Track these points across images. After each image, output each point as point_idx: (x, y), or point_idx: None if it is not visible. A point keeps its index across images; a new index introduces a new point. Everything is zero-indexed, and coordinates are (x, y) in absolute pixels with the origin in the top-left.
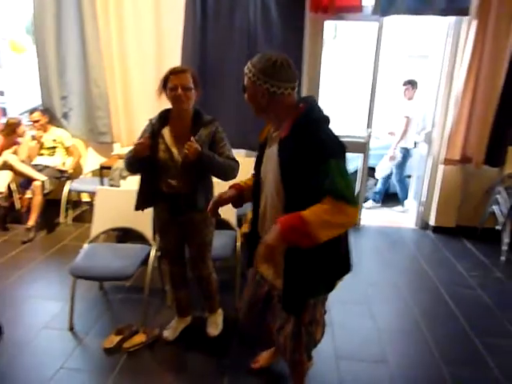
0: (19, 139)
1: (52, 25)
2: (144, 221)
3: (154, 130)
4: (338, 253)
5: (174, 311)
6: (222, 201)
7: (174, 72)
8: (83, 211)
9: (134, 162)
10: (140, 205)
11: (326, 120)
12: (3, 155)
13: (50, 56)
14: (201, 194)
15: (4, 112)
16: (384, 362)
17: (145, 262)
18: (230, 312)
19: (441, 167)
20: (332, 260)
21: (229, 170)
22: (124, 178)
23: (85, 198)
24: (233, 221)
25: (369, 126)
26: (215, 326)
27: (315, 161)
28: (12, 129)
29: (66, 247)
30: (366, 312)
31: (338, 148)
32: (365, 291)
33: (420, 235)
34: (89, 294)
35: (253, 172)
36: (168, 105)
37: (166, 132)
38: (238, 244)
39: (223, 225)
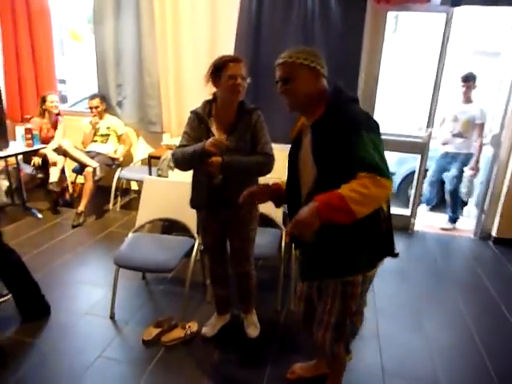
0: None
1: (111, 15)
2: (189, 213)
3: (201, 122)
4: (378, 230)
5: (214, 307)
6: (257, 192)
7: (233, 60)
8: (131, 199)
9: (196, 160)
10: (196, 202)
11: (356, 100)
12: (58, 140)
13: (108, 45)
14: (243, 188)
15: (65, 99)
16: (435, 381)
17: (188, 254)
18: (270, 314)
19: (509, 172)
20: (371, 237)
21: (257, 168)
22: (172, 168)
23: (133, 186)
24: (278, 219)
25: (429, 125)
26: (254, 327)
27: (347, 134)
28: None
29: (113, 234)
30: (415, 325)
31: (370, 122)
32: (415, 303)
33: (479, 246)
34: (131, 283)
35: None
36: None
37: (212, 123)
38: (283, 243)
39: (268, 222)
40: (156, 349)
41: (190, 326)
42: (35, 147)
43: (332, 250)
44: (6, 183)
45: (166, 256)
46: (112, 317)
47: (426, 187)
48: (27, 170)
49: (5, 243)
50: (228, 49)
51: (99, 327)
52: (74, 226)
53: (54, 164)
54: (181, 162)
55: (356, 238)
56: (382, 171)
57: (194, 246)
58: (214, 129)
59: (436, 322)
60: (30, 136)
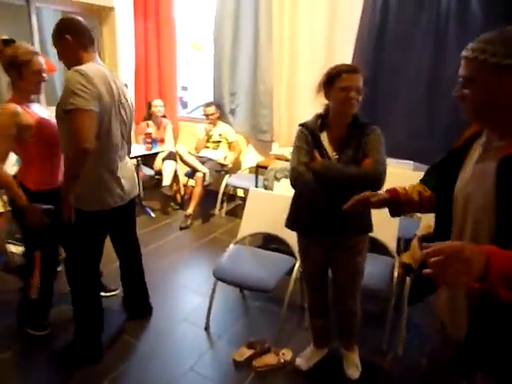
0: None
1: (230, 27)
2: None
3: (313, 137)
4: None
5: (311, 337)
6: (365, 199)
7: (347, 70)
8: (237, 206)
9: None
10: (294, 224)
11: None
12: (170, 144)
13: (225, 55)
14: (354, 214)
15: (185, 105)
16: None
17: (288, 273)
18: (373, 354)
19: None
20: None
21: (362, 184)
22: (278, 179)
23: (240, 193)
24: (391, 245)
25: None
26: (355, 367)
27: None
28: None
29: (216, 240)
30: None
31: None
32: None
33: None
34: (229, 295)
35: (420, 179)
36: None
37: (324, 139)
38: (395, 274)
39: (379, 248)
40: (246, 372)
41: (283, 354)
42: (153, 150)
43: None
44: None
45: (265, 274)
46: (207, 328)
47: None
48: (146, 171)
49: (137, 237)
50: (346, 58)
51: (194, 337)
52: (181, 228)
53: (159, 171)
54: (325, 179)
55: None
56: None
57: (294, 266)
58: (325, 144)
59: None
60: (149, 140)
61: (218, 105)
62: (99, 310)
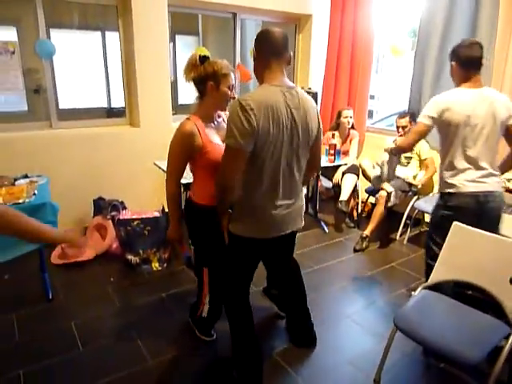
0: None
1: (440, 27)
2: (507, 287)
3: None
4: None
5: None
6: None
7: None
8: (422, 233)
9: None
10: None
11: None
12: (353, 156)
13: (430, 59)
14: None
15: (371, 114)
16: None
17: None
18: None
19: None
20: None
21: None
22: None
23: (428, 218)
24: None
25: None
26: None
27: None
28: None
29: (394, 271)
30: None
31: None
32: None
33: None
34: (407, 344)
35: None
36: None
37: None
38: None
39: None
40: None
41: None
42: (336, 163)
43: None
44: (304, 191)
45: (468, 340)
46: (377, 381)
47: None
48: (324, 182)
49: (294, 259)
50: None
51: None
52: (355, 250)
53: (337, 184)
54: None
55: None
56: None
57: (509, 337)
58: None
59: None
60: (333, 152)
61: (414, 116)
62: (252, 335)
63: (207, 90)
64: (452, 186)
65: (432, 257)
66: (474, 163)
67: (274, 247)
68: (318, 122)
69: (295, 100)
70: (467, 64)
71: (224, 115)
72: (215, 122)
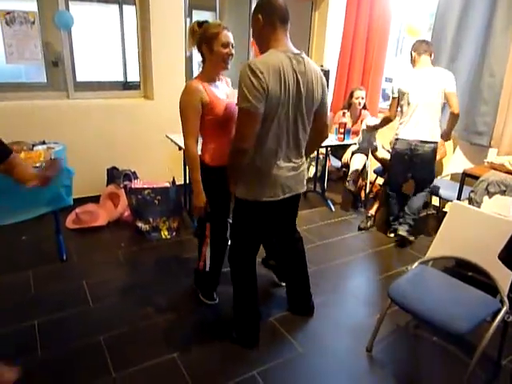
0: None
1: (457, 8)
2: (499, 265)
3: None
4: None
5: None
6: None
7: None
8: (428, 216)
9: None
10: None
11: None
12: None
13: (447, 41)
14: None
15: (387, 97)
16: None
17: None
18: None
19: None
20: None
21: None
22: (490, 194)
23: (434, 201)
24: (504, 287)
25: None
26: None
27: None
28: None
29: (396, 250)
30: None
31: None
32: None
33: None
34: (400, 317)
35: None
36: None
37: None
38: (494, 324)
39: (486, 285)
40: None
41: None
42: (345, 142)
43: None
44: (313, 170)
45: (459, 313)
46: (369, 350)
47: None
48: (334, 162)
49: (297, 231)
50: None
51: (353, 355)
52: (360, 229)
53: (346, 164)
54: None
55: None
56: None
57: (499, 312)
58: None
59: None
60: (342, 131)
61: None
62: (254, 299)
63: (204, 53)
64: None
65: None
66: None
67: (278, 210)
68: (323, 88)
69: (301, 66)
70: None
71: (225, 78)
72: (218, 83)
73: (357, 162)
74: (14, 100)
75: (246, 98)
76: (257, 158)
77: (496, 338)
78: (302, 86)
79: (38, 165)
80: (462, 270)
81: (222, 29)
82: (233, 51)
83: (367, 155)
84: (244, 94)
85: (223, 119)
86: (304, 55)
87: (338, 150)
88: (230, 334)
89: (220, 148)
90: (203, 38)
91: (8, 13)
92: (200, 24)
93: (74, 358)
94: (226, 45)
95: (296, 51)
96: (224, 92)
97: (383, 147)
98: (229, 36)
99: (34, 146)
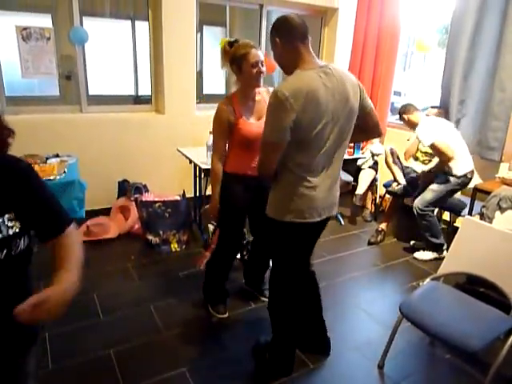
0: None
1: (470, 25)
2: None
3: None
4: None
5: None
6: None
7: None
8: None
9: None
10: None
11: None
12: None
13: (460, 57)
14: None
15: (396, 111)
16: None
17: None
18: None
19: None
20: None
21: None
22: (502, 210)
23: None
24: None
25: None
26: None
27: None
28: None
29: (409, 265)
30: None
31: None
32: None
33: None
34: (413, 334)
35: None
36: None
37: None
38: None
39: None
40: None
41: None
42: (355, 156)
43: None
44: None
45: (471, 330)
46: (380, 367)
47: None
48: (343, 176)
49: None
50: None
51: (364, 373)
52: (370, 243)
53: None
54: None
55: None
56: None
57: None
58: None
59: None
60: (352, 145)
61: (446, 110)
62: (296, 330)
63: (235, 72)
64: None
65: None
66: None
67: (310, 233)
68: (360, 90)
69: (331, 78)
70: None
71: (263, 91)
72: (252, 102)
73: (365, 179)
74: (29, 113)
75: (272, 131)
76: (294, 181)
77: (511, 356)
78: (337, 100)
79: (51, 178)
80: (475, 286)
81: (251, 48)
82: (263, 69)
83: (376, 170)
84: (271, 127)
85: (249, 141)
86: (331, 65)
87: (348, 164)
88: (258, 352)
89: (239, 161)
90: (233, 58)
91: (24, 28)
92: (231, 44)
93: (84, 370)
94: (255, 64)
95: (322, 63)
96: (257, 112)
97: (398, 157)
98: (258, 55)
99: (47, 159)
